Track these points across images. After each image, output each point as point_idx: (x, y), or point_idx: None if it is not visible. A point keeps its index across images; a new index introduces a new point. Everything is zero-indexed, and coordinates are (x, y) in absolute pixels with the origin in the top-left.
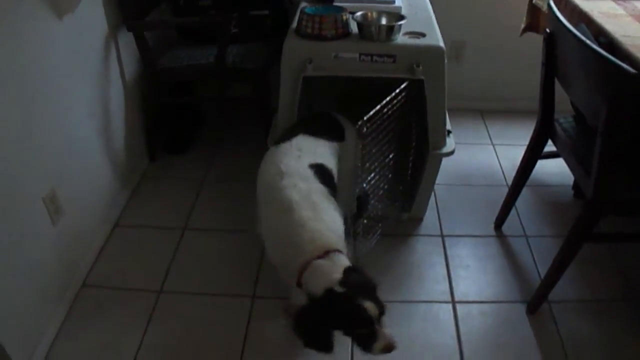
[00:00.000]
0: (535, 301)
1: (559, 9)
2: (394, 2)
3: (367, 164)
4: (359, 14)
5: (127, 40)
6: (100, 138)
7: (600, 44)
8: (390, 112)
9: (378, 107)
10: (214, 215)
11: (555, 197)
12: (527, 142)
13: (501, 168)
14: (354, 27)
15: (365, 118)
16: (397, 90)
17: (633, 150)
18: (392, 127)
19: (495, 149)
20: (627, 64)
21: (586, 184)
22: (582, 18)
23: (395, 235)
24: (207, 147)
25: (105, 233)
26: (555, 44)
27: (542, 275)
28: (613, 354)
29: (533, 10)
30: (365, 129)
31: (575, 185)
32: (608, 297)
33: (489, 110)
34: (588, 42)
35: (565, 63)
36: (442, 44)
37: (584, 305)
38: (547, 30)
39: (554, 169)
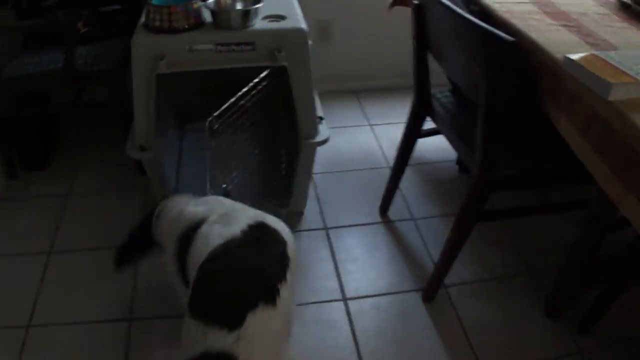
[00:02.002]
0: (431, 288)
1: None
2: None
3: (226, 163)
4: (211, 0)
5: None
6: None
7: (472, 12)
8: (249, 104)
9: (231, 100)
10: (82, 233)
11: (440, 174)
12: (405, 120)
13: (381, 149)
14: (207, 16)
15: (215, 114)
16: (256, 80)
17: (515, 121)
18: (254, 120)
19: (373, 130)
20: (502, 32)
21: (471, 161)
22: None
23: None
24: (69, 158)
25: None
26: (424, 15)
27: (435, 259)
28: (516, 331)
29: None
30: (216, 126)
31: (460, 160)
32: (505, 274)
33: (363, 89)
34: (460, 11)
35: (437, 35)
36: (304, 25)
37: (482, 285)
38: (415, 1)
39: (435, 145)
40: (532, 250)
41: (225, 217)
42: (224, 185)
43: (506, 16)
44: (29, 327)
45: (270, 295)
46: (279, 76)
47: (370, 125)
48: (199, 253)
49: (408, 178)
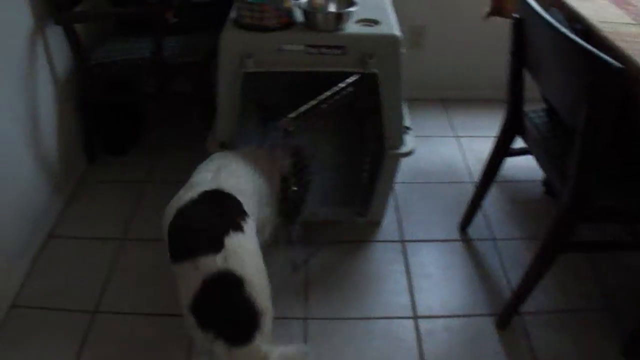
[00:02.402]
0: (506, 315)
1: None
2: None
3: (301, 165)
4: (304, 0)
5: (58, 32)
6: (27, 143)
7: (575, 31)
8: (332, 108)
9: (311, 103)
10: (155, 222)
11: (524, 194)
12: (493, 134)
13: (465, 163)
14: (299, 15)
15: (291, 116)
16: (341, 85)
17: (613, 150)
18: (337, 125)
19: (458, 142)
20: (607, 55)
21: (561, 188)
22: (553, 1)
23: (350, 242)
24: (150, 146)
25: (36, 246)
26: (524, 31)
27: (512, 284)
28: None
29: None
30: (292, 128)
31: (547, 181)
32: (584, 307)
33: (451, 99)
34: (564, 29)
35: (536, 53)
36: (397, 32)
37: (558, 316)
38: (515, 15)
39: (521, 163)
40: (615, 286)
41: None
42: (294, 188)
43: (612, 37)
44: (95, 313)
45: (236, 225)
46: (368, 83)
47: (456, 136)
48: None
49: (491, 195)
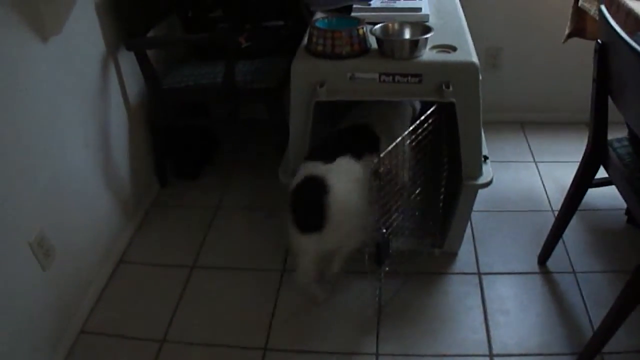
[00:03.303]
0: (587, 355)
1: (610, 13)
2: (420, 9)
3: (387, 206)
4: (378, 26)
5: (130, 57)
6: (99, 168)
7: None
8: (415, 143)
9: (398, 140)
10: (226, 250)
11: (606, 224)
12: (573, 159)
13: (545, 190)
14: (372, 42)
15: (382, 155)
16: (423, 118)
17: None
18: (418, 158)
19: (537, 167)
20: None
21: None
22: (638, 25)
23: (425, 274)
24: (221, 171)
25: (107, 272)
26: (608, 56)
27: (594, 321)
28: None
29: (579, 13)
30: (381, 168)
31: (629, 210)
32: None
33: (530, 122)
34: None
35: (621, 79)
36: (475, 59)
37: None
38: (599, 41)
39: (602, 191)
40: None
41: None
42: (384, 231)
43: None
44: (163, 342)
45: (355, 154)
46: (446, 111)
47: (536, 162)
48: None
49: (571, 225)
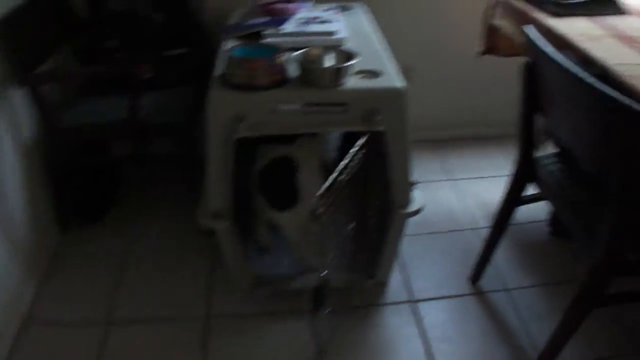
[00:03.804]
0: None
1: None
2: (335, 33)
3: (324, 247)
4: (298, 53)
5: (24, 93)
6: None
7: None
8: (348, 177)
9: (332, 177)
10: (142, 301)
11: (530, 237)
12: (488, 174)
13: (465, 208)
14: (293, 71)
15: (318, 194)
16: (353, 150)
17: None
18: (350, 192)
19: (455, 186)
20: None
21: (589, 243)
22: (560, 43)
23: (359, 308)
24: (128, 213)
25: (10, 334)
26: (536, 76)
27: (533, 336)
28: None
29: (490, 31)
30: (320, 210)
31: (553, 222)
32: (610, 355)
33: (440, 140)
34: (593, 80)
35: (552, 97)
36: (402, 84)
37: None
38: (526, 60)
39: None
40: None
41: None
42: (322, 274)
43: (631, 82)
44: None
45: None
46: (374, 141)
47: (452, 180)
48: None
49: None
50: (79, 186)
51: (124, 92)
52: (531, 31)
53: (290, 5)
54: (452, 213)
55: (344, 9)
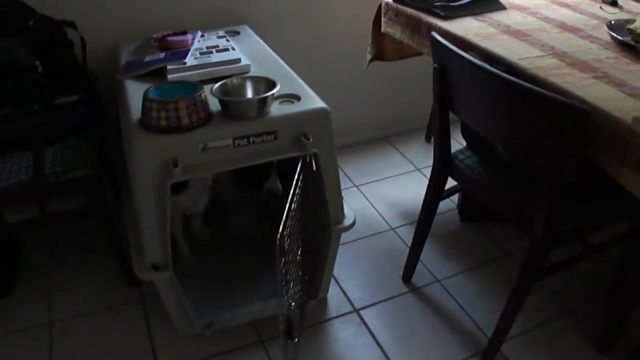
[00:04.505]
0: (491, 353)
1: (420, 35)
2: (240, 60)
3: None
4: (216, 86)
5: None
6: None
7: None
8: (296, 205)
9: (287, 208)
10: None
11: (444, 227)
12: (388, 175)
13: (377, 211)
14: (215, 106)
15: (282, 230)
16: (297, 177)
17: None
18: (298, 218)
19: (360, 191)
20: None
21: (524, 224)
22: (461, 44)
23: (309, 327)
24: (39, 278)
25: None
26: (448, 77)
27: (474, 318)
28: None
29: (378, 38)
30: (287, 242)
31: (461, 210)
32: (544, 319)
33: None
34: (515, 79)
35: (465, 94)
36: (324, 104)
37: (528, 336)
38: (436, 65)
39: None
40: (561, 290)
41: None
42: (291, 304)
43: (540, 74)
44: None
45: None
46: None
47: (357, 186)
48: None
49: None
50: None
51: (18, 151)
52: (437, 36)
53: (183, 37)
54: (366, 218)
55: (232, 34)
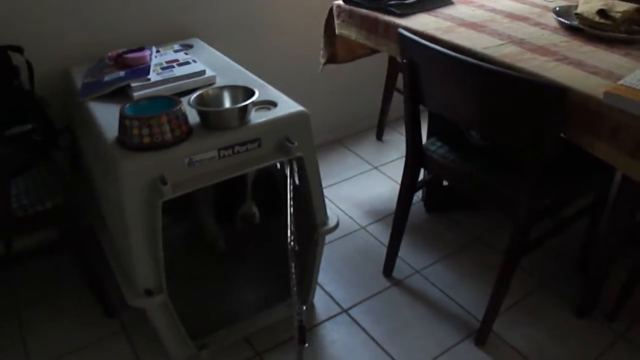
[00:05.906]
0: (484, 331)
1: (379, 33)
2: (204, 72)
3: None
4: (192, 98)
5: None
6: None
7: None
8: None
9: (289, 218)
10: None
11: (411, 219)
12: (346, 176)
13: (343, 212)
14: (194, 118)
15: (289, 232)
16: (290, 181)
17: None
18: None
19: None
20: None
21: (498, 204)
22: (424, 39)
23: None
24: (8, 320)
25: None
26: (417, 71)
27: (459, 302)
28: (563, 338)
29: (330, 41)
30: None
31: (426, 201)
32: (523, 294)
33: None
34: (491, 66)
35: (444, 89)
36: (302, 107)
37: (512, 313)
38: (404, 60)
39: (389, 194)
40: (533, 266)
41: None
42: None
43: (507, 60)
44: None
45: None
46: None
47: None
48: None
49: (384, 233)
50: None
51: None
52: (405, 32)
53: (141, 54)
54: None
55: (186, 47)
